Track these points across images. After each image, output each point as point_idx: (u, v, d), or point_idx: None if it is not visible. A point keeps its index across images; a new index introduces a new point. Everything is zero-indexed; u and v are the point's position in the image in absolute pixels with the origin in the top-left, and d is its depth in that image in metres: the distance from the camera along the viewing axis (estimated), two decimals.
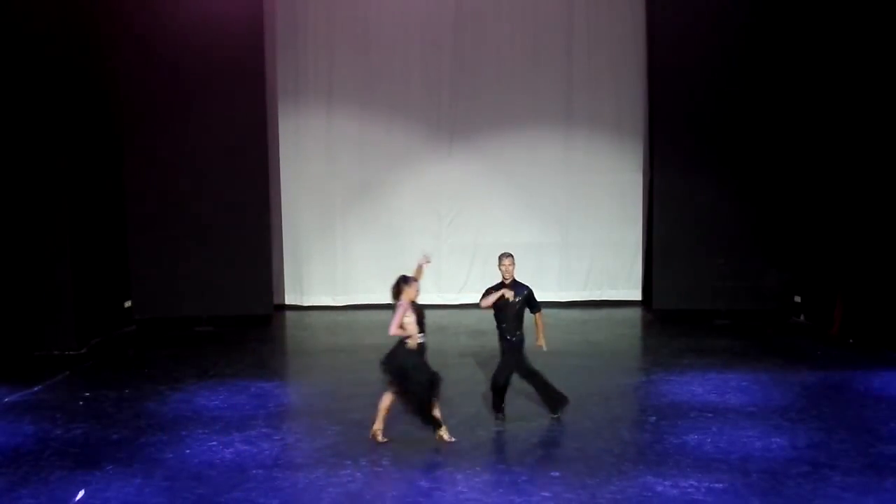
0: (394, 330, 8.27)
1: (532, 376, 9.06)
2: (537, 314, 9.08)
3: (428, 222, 15.24)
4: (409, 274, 8.48)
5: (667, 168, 14.07)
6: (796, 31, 13.60)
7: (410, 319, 8.29)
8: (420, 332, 8.34)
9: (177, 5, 13.42)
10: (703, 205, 13.86)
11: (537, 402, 9.25)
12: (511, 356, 8.97)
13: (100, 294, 13.08)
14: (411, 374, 8.29)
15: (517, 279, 9.02)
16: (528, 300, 8.97)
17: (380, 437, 8.49)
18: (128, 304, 13.93)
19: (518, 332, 8.92)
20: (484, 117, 15.11)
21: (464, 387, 10.00)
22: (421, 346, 8.38)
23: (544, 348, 9.07)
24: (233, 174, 13.74)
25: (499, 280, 9.04)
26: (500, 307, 8.92)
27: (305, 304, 15.35)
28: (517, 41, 15.02)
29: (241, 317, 13.94)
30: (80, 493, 7.40)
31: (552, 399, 9.10)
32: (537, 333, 9.08)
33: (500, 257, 9.09)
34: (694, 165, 13.88)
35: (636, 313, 14.90)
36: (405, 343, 8.32)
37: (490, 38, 15.01)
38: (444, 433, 8.47)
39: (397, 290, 8.39)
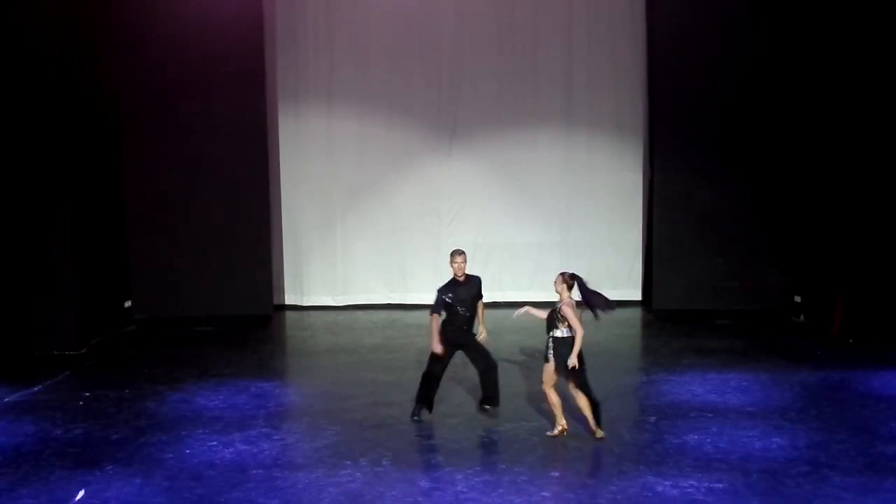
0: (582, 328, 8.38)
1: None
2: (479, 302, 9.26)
3: (428, 222, 15.22)
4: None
5: (667, 168, 14.05)
6: (796, 32, 13.59)
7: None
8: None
9: (176, 5, 13.41)
10: (703, 205, 13.84)
11: (536, 401, 9.26)
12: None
13: (100, 294, 13.07)
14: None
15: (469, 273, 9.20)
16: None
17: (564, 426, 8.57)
18: (128, 304, 13.92)
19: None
20: (484, 117, 15.09)
21: (465, 386, 10.00)
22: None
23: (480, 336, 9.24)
24: (233, 174, 13.73)
25: (451, 277, 9.15)
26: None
27: (305, 304, 15.33)
28: (517, 41, 14.99)
29: (241, 317, 13.92)
30: (80, 493, 7.40)
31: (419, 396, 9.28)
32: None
33: (452, 254, 9.16)
34: (694, 165, 13.86)
35: (636, 313, 14.87)
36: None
37: (490, 38, 14.98)
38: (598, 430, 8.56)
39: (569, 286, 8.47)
